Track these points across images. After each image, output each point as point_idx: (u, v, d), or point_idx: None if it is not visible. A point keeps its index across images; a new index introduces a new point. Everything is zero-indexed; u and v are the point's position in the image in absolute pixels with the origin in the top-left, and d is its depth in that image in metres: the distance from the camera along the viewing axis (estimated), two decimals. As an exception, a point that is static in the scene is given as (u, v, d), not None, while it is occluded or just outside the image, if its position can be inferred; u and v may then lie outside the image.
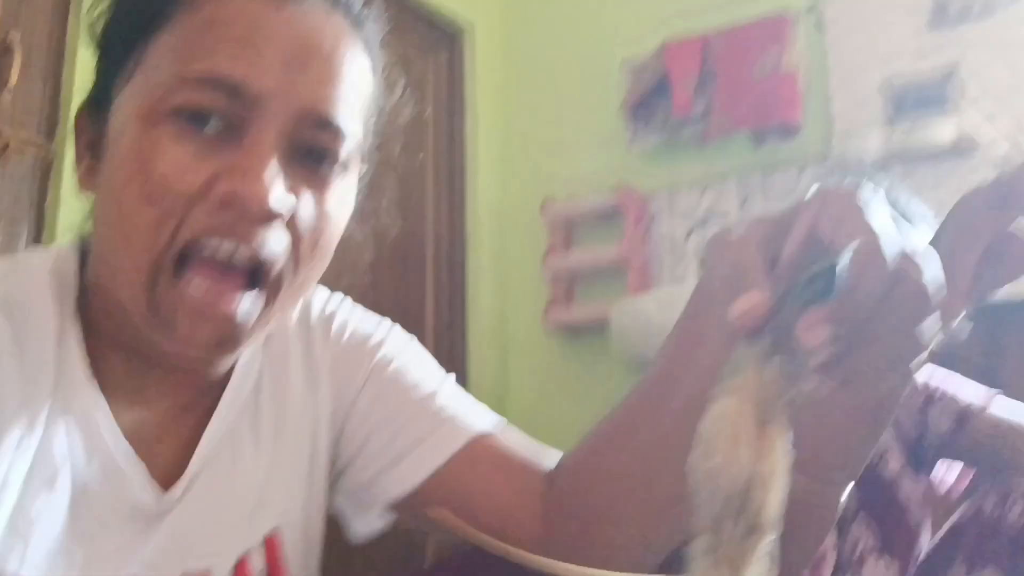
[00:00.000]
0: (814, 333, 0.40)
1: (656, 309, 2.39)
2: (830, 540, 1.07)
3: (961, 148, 2.27)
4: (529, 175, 3.00)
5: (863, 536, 1.09)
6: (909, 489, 1.12)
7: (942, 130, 2.29)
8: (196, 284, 0.59)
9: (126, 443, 0.64)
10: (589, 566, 0.70)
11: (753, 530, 0.37)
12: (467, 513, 0.73)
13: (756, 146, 2.57)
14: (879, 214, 0.42)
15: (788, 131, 2.51)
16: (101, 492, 0.63)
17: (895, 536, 1.10)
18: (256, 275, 0.60)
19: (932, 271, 0.41)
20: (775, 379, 0.40)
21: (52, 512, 0.60)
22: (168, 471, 0.67)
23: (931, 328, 0.42)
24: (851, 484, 0.81)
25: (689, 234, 2.65)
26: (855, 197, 0.43)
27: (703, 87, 2.63)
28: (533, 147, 3.03)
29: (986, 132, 2.27)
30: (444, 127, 2.91)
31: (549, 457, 0.76)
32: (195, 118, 0.58)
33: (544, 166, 2.98)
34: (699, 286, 0.59)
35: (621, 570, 0.72)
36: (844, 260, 0.40)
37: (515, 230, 2.98)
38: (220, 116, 0.59)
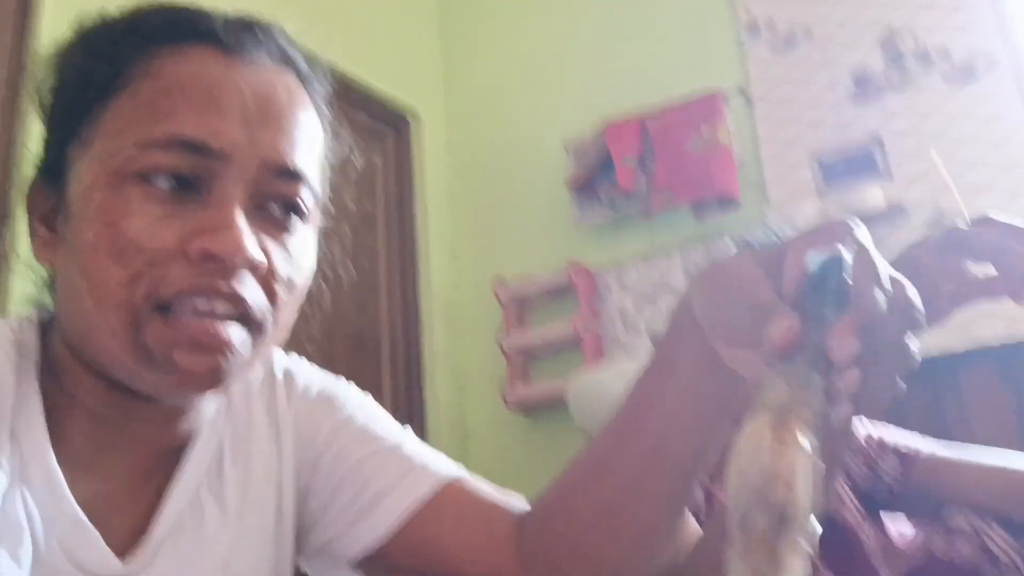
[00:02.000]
0: (845, 343, 0.41)
1: (612, 381, 2.43)
2: None
3: (891, 213, 2.38)
4: (480, 257, 3.05)
5: None
6: (868, 539, 1.16)
7: (871, 196, 2.40)
8: (189, 320, 0.59)
9: (82, 514, 0.63)
10: None
11: (783, 522, 0.38)
12: (439, 559, 0.73)
13: (697, 219, 2.66)
14: (868, 239, 0.45)
15: (726, 203, 2.61)
16: (59, 562, 0.62)
17: None
18: (238, 319, 0.62)
19: (914, 289, 0.44)
20: (810, 395, 0.41)
21: None
22: (128, 540, 0.66)
23: (917, 345, 0.44)
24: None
25: (641, 307, 2.72)
26: (849, 223, 0.46)
27: (644, 164, 2.73)
28: (482, 229, 3.09)
29: (912, 197, 2.39)
30: (394, 214, 2.96)
31: (518, 502, 0.76)
32: (161, 179, 0.60)
33: (494, 247, 3.04)
34: (674, 319, 0.60)
35: None
36: (845, 256, 0.43)
37: (468, 312, 3.02)
38: (185, 175, 0.60)
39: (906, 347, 0.44)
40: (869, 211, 2.37)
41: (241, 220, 0.60)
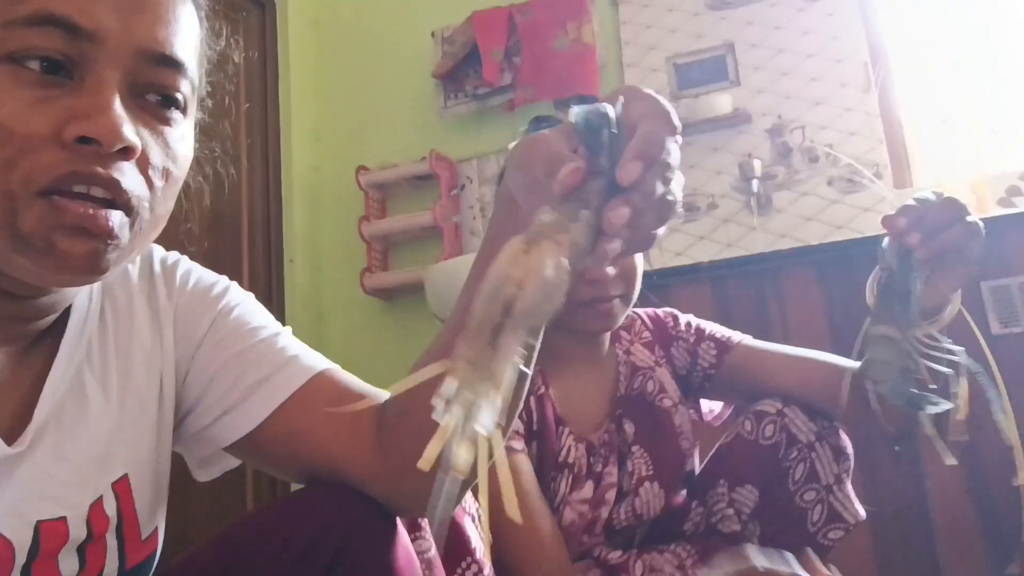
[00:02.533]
0: (631, 167, 0.47)
1: (467, 270, 2.50)
2: (613, 473, 1.22)
3: (736, 118, 2.51)
4: (343, 144, 3.04)
5: (638, 466, 1.23)
6: (681, 420, 1.27)
7: (719, 102, 2.52)
8: (70, 204, 0.59)
9: None
10: (419, 490, 0.76)
11: (508, 315, 0.43)
12: (306, 446, 0.76)
13: (558, 115, 2.73)
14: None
15: (586, 102, 2.67)
16: None
17: (664, 463, 1.24)
18: (116, 204, 0.61)
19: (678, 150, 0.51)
20: (577, 227, 0.47)
21: None
22: (12, 424, 0.67)
23: (678, 194, 0.52)
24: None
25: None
26: (641, 88, 0.52)
27: (509, 58, 2.76)
28: (346, 117, 3.07)
29: (757, 105, 2.53)
30: (257, 99, 2.89)
31: (381, 394, 0.79)
32: (30, 60, 0.58)
33: (358, 135, 3.03)
34: (502, 197, 0.63)
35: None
36: (617, 107, 0.49)
37: (329, 196, 3.01)
38: (58, 57, 0.59)
39: (667, 196, 0.51)
40: (717, 115, 2.50)
41: (118, 105, 0.59)
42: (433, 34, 2.90)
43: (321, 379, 0.78)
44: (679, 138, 0.51)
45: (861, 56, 2.49)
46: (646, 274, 1.26)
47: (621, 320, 1.22)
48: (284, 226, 2.88)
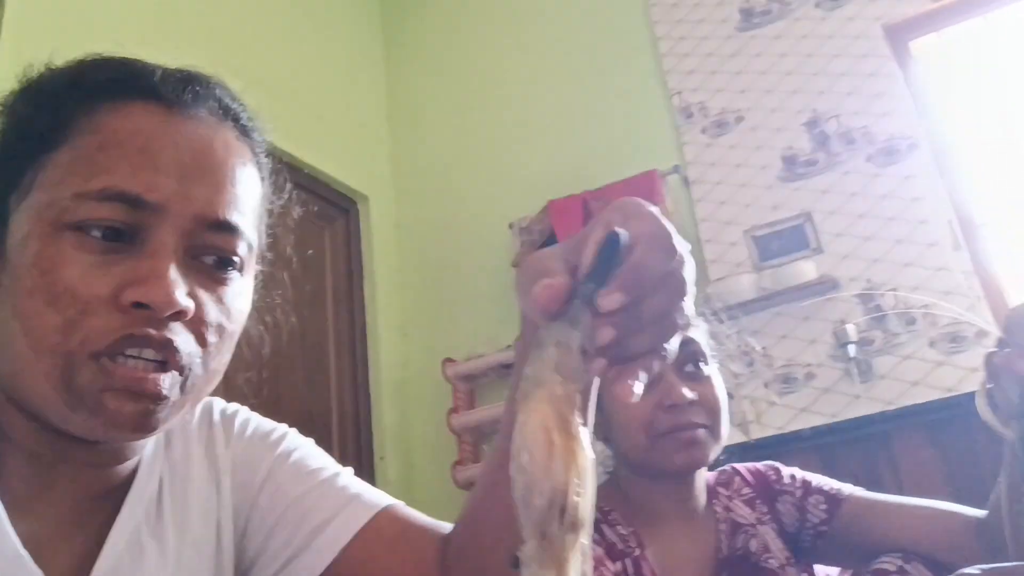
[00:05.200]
0: (611, 299, 0.45)
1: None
2: None
3: (824, 286, 2.47)
4: (429, 336, 3.08)
5: None
6: None
7: (804, 270, 2.50)
8: (122, 366, 0.61)
9: (23, 551, 0.63)
10: None
11: (573, 529, 0.41)
12: None
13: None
14: (664, 216, 0.49)
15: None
16: None
17: None
18: (167, 365, 0.63)
19: (692, 266, 0.49)
20: (574, 362, 0.44)
21: None
22: (75, 572, 0.67)
23: (686, 315, 0.48)
24: None
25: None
26: (642, 203, 0.50)
27: (587, 243, 2.80)
28: (431, 309, 3.13)
29: (842, 270, 2.50)
30: (343, 295, 2.99)
31: (444, 526, 0.78)
32: (96, 229, 0.62)
33: (443, 326, 3.08)
34: (522, 316, 0.63)
35: None
36: (624, 234, 0.46)
37: (418, 391, 3.02)
38: (120, 227, 0.62)
39: (670, 315, 0.47)
40: (802, 283, 2.47)
41: (173, 271, 0.62)
42: (511, 225, 2.99)
43: (385, 515, 0.77)
44: (686, 256, 0.48)
45: (945, 215, 2.45)
46: (746, 446, 1.19)
47: (711, 457, 1.15)
48: (373, 423, 2.88)
